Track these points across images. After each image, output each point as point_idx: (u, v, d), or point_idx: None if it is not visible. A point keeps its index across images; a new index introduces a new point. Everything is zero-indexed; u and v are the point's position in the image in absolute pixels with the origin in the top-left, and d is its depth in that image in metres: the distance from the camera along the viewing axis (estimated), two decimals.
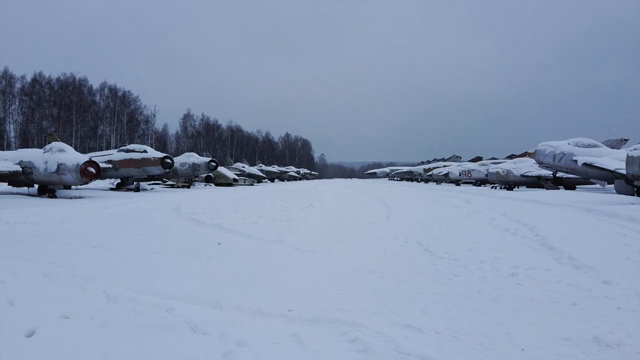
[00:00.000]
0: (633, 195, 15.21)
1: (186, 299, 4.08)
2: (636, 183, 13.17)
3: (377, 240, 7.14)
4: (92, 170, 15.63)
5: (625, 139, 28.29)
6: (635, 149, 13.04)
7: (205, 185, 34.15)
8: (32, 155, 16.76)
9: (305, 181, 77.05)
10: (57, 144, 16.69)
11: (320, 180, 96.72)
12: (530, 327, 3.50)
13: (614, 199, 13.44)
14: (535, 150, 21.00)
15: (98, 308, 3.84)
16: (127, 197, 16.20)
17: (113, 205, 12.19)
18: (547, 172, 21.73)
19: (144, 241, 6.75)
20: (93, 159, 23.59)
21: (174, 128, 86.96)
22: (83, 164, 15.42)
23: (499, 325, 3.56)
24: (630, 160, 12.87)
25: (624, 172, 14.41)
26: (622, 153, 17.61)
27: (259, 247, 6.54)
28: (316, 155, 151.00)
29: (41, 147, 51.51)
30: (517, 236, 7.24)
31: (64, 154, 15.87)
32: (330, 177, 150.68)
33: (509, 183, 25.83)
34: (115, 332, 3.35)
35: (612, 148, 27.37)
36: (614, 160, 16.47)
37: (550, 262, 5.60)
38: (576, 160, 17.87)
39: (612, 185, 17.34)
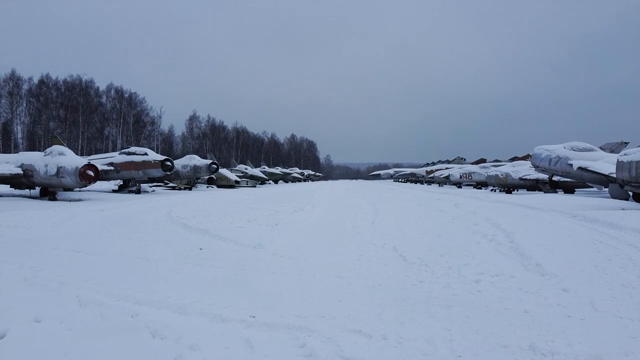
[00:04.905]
0: (627, 199, 15.25)
1: (153, 304, 4.27)
2: (627, 188, 13.20)
3: (355, 245, 7.30)
4: (91, 173, 15.93)
5: (625, 142, 28.18)
6: (625, 154, 13.09)
7: (207, 187, 34.43)
8: (33, 158, 17.10)
9: (309, 182, 77.28)
10: (57, 148, 17.02)
11: (325, 181, 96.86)
12: (475, 334, 3.66)
13: (606, 204, 13.50)
14: (532, 154, 21.07)
15: (68, 312, 4.04)
16: (125, 200, 16.47)
17: (108, 208, 12.45)
18: (544, 176, 21.75)
19: (128, 246, 6.97)
20: (95, 161, 24.01)
21: (180, 129, 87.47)
22: (82, 167, 15.73)
23: (445, 331, 3.72)
24: (620, 166, 12.92)
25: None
26: (616, 157, 17.60)
27: (238, 252, 6.73)
28: (322, 157, 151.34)
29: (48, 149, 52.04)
30: (493, 242, 7.37)
31: (63, 157, 16.19)
32: (336, 179, 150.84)
33: (508, 186, 25.87)
34: (80, 335, 3.56)
35: (612, 151, 27.30)
36: (608, 165, 16.50)
37: (517, 269, 5.73)
38: (571, 164, 17.91)
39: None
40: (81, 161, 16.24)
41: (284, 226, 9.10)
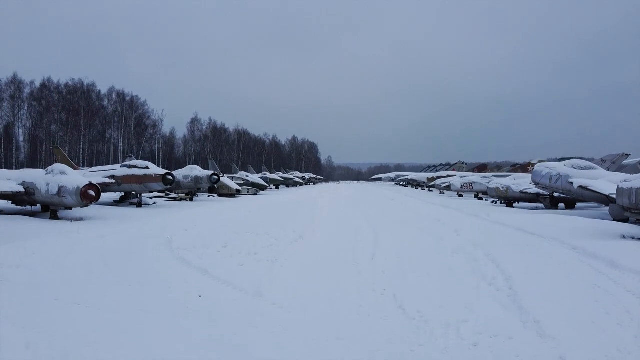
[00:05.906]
0: (627, 221, 15.26)
1: None
2: (627, 214, 13.23)
3: (355, 291, 7.33)
4: (92, 193, 15.97)
5: (626, 154, 28.22)
6: (625, 181, 13.11)
7: (209, 196, 34.54)
8: (34, 176, 17.15)
9: (311, 186, 77.64)
10: (58, 166, 17.09)
11: (326, 184, 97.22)
12: None
13: (606, 228, 13.45)
14: (532, 170, 21.11)
15: None
16: (125, 219, 16.58)
17: (108, 234, 12.53)
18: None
19: (126, 293, 7.04)
20: (96, 174, 24.12)
21: (181, 132, 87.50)
22: (83, 187, 15.77)
23: None
24: (620, 192, 12.95)
25: None
26: (617, 176, 17.63)
27: (237, 302, 6.77)
28: (323, 158, 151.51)
29: (49, 154, 52.02)
30: (492, 287, 7.42)
31: (65, 177, 16.24)
32: (337, 180, 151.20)
33: (509, 199, 25.92)
34: None
35: (613, 163, 27.33)
36: (609, 184, 16.51)
37: (515, 327, 5.76)
38: (572, 182, 17.93)
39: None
40: (83, 181, 16.27)
41: (284, 262, 9.17)
